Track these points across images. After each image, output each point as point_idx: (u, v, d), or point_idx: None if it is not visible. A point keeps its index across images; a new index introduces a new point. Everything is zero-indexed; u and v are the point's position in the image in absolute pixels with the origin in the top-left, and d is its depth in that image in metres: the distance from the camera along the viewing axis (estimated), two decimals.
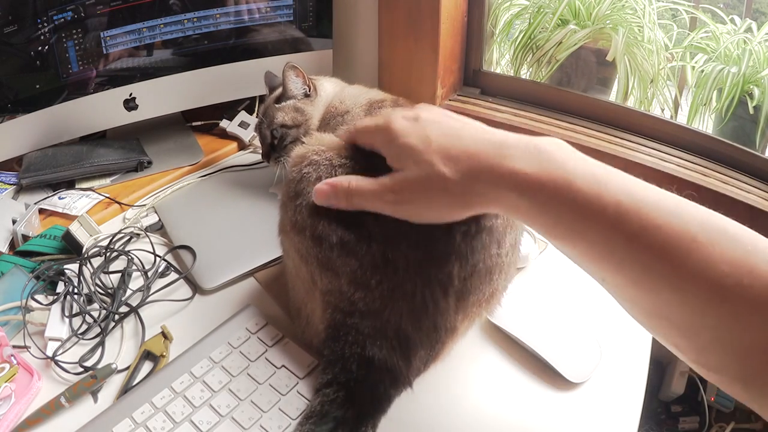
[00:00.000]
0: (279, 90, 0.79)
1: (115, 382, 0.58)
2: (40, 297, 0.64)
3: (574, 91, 1.06)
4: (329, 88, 0.78)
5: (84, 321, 0.63)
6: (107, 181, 0.88)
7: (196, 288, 0.69)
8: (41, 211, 0.80)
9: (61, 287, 0.65)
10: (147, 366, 0.59)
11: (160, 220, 0.79)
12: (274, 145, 0.78)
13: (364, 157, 0.51)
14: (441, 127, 0.43)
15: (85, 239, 0.72)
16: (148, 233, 0.76)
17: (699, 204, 0.37)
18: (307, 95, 0.77)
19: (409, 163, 0.43)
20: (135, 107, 0.90)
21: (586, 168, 0.37)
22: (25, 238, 0.73)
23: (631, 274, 0.37)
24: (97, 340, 0.61)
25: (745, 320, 0.34)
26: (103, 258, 0.71)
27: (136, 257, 0.71)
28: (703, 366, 0.37)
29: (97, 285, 0.67)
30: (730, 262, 0.34)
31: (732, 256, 0.34)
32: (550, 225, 0.39)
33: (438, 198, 0.42)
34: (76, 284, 0.66)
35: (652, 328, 0.39)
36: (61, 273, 0.67)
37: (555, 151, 0.38)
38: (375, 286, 0.49)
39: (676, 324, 0.37)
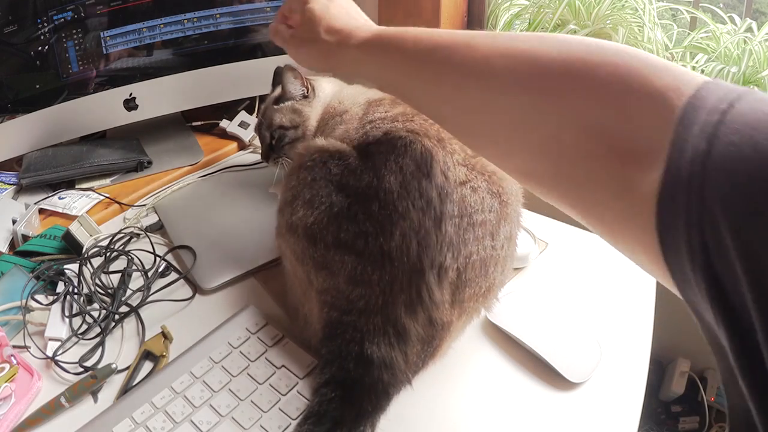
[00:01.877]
0: (278, 90, 0.79)
1: (115, 382, 0.58)
2: (40, 297, 0.64)
3: None
4: (328, 88, 0.78)
5: (84, 321, 0.63)
6: (107, 181, 0.88)
7: (196, 288, 0.69)
8: (41, 211, 0.80)
9: (61, 287, 0.65)
10: (147, 366, 0.59)
11: (160, 220, 0.79)
12: (273, 146, 0.78)
13: (356, 156, 0.54)
14: (336, 6, 0.56)
15: (85, 239, 0.72)
16: (148, 233, 0.76)
17: None
18: (305, 97, 0.77)
19: (306, 26, 0.56)
20: (135, 107, 0.90)
21: (399, 29, 0.49)
22: (25, 238, 0.73)
23: (430, 87, 0.45)
24: (97, 340, 0.61)
25: (522, 102, 0.38)
26: (103, 258, 0.71)
27: (136, 257, 0.71)
28: (514, 172, 0.43)
29: (97, 285, 0.67)
30: (503, 53, 0.39)
31: (505, 46, 0.40)
32: (382, 69, 0.50)
33: (312, 48, 0.56)
34: (76, 284, 0.66)
35: (477, 150, 0.48)
36: (61, 273, 0.67)
37: (385, 28, 0.51)
38: (377, 282, 0.50)
39: (480, 130, 0.43)
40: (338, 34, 0.53)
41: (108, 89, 0.87)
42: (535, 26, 1.11)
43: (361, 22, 0.55)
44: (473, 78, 0.41)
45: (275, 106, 0.78)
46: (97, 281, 0.67)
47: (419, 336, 0.52)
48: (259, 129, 0.81)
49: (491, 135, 0.43)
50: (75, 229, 0.72)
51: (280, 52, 0.97)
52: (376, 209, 0.50)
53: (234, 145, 0.97)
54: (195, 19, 0.89)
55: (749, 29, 1.03)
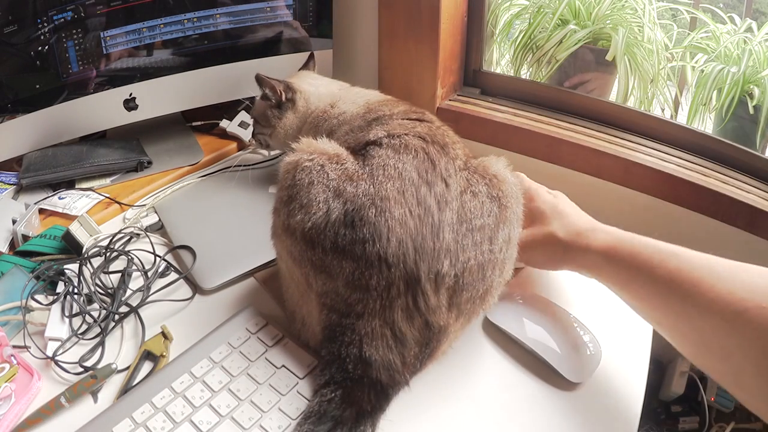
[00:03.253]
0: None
1: (115, 382, 0.58)
2: (40, 297, 0.64)
3: (574, 91, 1.06)
4: (323, 91, 0.78)
5: (84, 321, 0.63)
6: (107, 181, 0.88)
7: (196, 288, 0.69)
8: (41, 211, 0.80)
9: (61, 287, 0.65)
10: (147, 366, 0.59)
11: (160, 220, 0.79)
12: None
13: (353, 161, 0.54)
14: (566, 202, 0.63)
15: (85, 239, 0.72)
16: (148, 233, 0.76)
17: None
18: (278, 106, 0.78)
19: (535, 222, 0.62)
20: (135, 107, 0.90)
21: (635, 239, 0.54)
22: (25, 238, 0.73)
23: (669, 307, 0.50)
24: (97, 340, 0.61)
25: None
26: (103, 258, 0.71)
27: (136, 257, 0.71)
28: (742, 391, 0.45)
29: (97, 285, 0.67)
30: (750, 289, 0.44)
31: (753, 284, 0.44)
32: (618, 278, 0.55)
33: (547, 249, 0.60)
34: (76, 284, 0.66)
35: (696, 358, 0.49)
36: (61, 273, 0.67)
37: (619, 232, 0.56)
38: (374, 287, 0.50)
39: (710, 346, 0.46)
40: (577, 235, 0.57)
41: (108, 89, 0.87)
42: (535, 26, 1.11)
43: (591, 222, 0.59)
44: (710, 316, 0.46)
45: (258, 101, 0.82)
46: (97, 281, 0.67)
47: (416, 339, 0.52)
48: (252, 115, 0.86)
49: (721, 354, 0.46)
50: (75, 229, 0.72)
51: (280, 51, 0.98)
52: (372, 216, 0.50)
53: (234, 145, 0.97)
54: (195, 19, 0.89)
55: (749, 29, 1.03)
